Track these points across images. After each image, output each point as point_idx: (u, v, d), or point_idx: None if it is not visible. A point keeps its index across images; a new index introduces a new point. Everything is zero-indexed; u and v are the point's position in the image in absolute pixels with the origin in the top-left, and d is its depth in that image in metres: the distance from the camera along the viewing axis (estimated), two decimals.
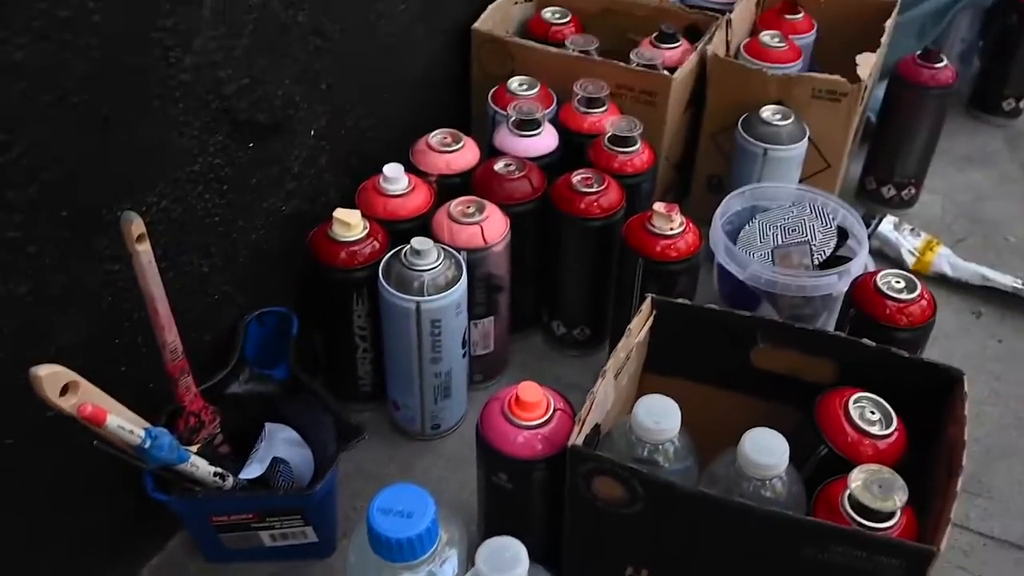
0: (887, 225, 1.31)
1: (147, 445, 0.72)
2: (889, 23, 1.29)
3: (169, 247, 0.82)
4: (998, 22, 1.52)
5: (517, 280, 1.04)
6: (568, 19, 1.31)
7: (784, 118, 1.16)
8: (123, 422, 0.71)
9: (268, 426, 0.89)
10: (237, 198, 0.90)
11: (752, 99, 1.19)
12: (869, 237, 1.28)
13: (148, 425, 0.74)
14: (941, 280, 1.26)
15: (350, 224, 0.93)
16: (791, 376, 0.84)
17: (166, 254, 0.82)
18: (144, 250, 0.73)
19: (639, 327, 0.83)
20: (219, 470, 0.81)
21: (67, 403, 0.66)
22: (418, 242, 0.91)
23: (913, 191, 1.38)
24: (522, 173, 1.03)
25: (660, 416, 0.73)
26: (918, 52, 1.28)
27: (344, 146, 1.04)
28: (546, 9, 1.32)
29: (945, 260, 1.27)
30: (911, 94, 1.28)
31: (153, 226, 0.79)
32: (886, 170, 1.36)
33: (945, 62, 1.27)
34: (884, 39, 1.26)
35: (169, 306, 0.77)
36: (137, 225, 0.72)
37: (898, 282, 0.93)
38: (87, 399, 0.68)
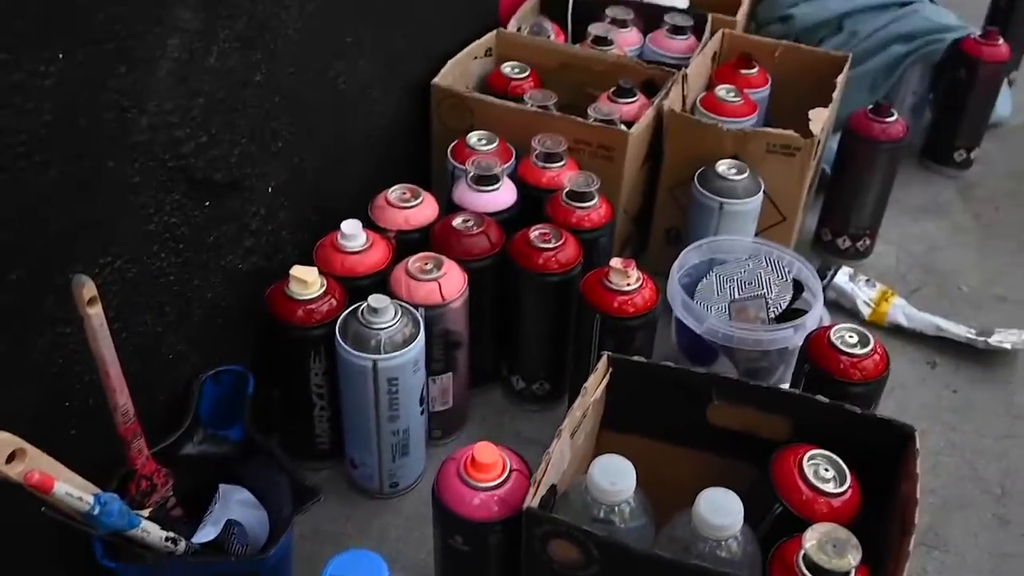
0: (843, 276, 1.32)
1: (96, 512, 0.71)
2: (841, 78, 1.31)
3: (122, 308, 0.82)
4: (947, 76, 1.56)
5: (476, 335, 1.05)
6: (527, 74, 1.32)
7: (739, 172, 1.18)
8: (71, 489, 0.69)
9: (222, 487, 0.88)
10: (193, 256, 0.89)
11: (708, 153, 1.20)
12: (825, 288, 1.30)
13: (98, 491, 0.73)
14: (896, 331, 1.28)
15: (307, 282, 0.92)
16: (747, 433, 0.85)
17: (119, 315, 0.81)
18: (95, 313, 0.72)
19: (595, 385, 0.83)
20: (171, 534, 0.79)
21: (14, 471, 0.65)
22: (375, 300, 0.90)
23: (868, 242, 1.40)
24: (480, 229, 1.04)
25: (615, 477, 0.73)
26: (869, 107, 1.31)
27: (303, 202, 1.04)
28: (505, 64, 1.34)
29: (900, 311, 1.29)
30: (863, 148, 1.31)
31: (106, 287, 0.79)
32: (841, 221, 1.38)
33: (896, 116, 1.30)
34: (836, 94, 1.29)
35: (121, 368, 0.76)
36: (88, 288, 0.71)
37: (851, 337, 0.94)
38: (35, 466, 0.66)
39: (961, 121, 1.58)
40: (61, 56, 0.69)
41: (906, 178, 1.56)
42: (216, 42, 0.85)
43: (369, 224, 1.05)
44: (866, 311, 1.30)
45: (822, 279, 1.31)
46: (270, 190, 0.98)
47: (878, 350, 0.94)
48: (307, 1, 0.97)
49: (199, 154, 0.86)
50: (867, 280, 1.33)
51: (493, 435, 1.09)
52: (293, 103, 0.99)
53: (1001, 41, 1.52)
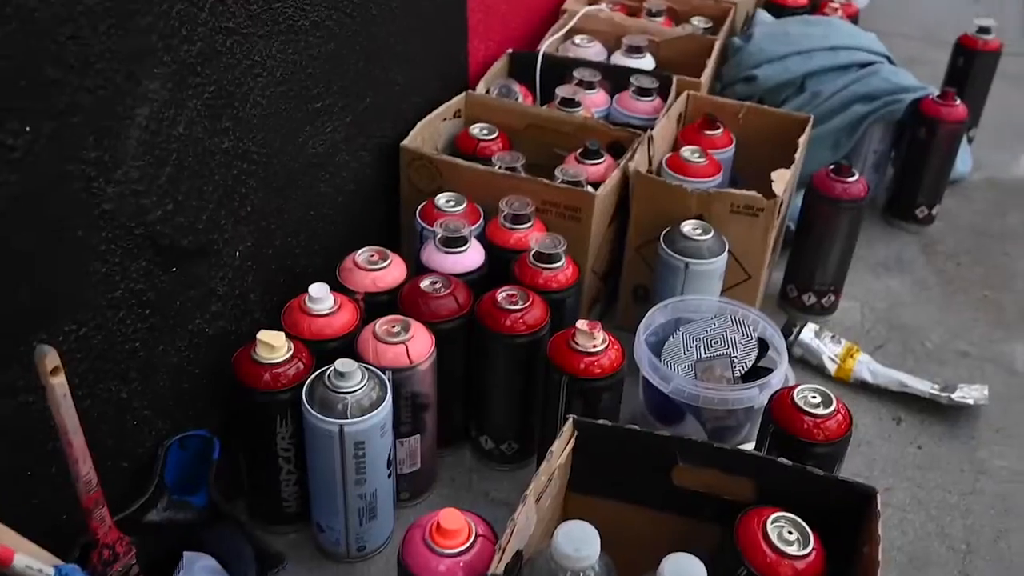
0: (808, 333, 1.34)
1: None
2: (803, 139, 1.34)
3: (87, 375, 0.82)
4: (908, 135, 1.60)
5: (444, 396, 1.05)
6: (495, 135, 1.34)
7: (704, 233, 1.20)
8: (31, 561, 0.69)
9: (187, 555, 0.87)
10: (160, 322, 0.89)
11: (674, 213, 1.22)
12: (791, 346, 1.32)
13: (59, 562, 0.72)
14: (862, 386, 1.30)
15: (274, 346, 0.93)
16: (712, 494, 0.85)
17: (83, 382, 0.81)
18: (59, 383, 0.72)
19: (560, 449, 0.84)
20: None
21: None
22: (342, 364, 0.91)
23: (833, 298, 1.42)
24: (448, 290, 1.05)
25: (580, 543, 0.73)
26: (831, 166, 1.34)
27: (271, 265, 1.05)
28: (474, 125, 1.35)
29: (865, 367, 1.30)
30: (826, 207, 1.33)
31: (70, 355, 0.79)
32: (806, 278, 1.40)
33: (857, 176, 1.33)
34: (798, 154, 1.32)
35: (84, 438, 0.76)
36: (51, 358, 0.71)
37: (814, 397, 0.96)
38: None
39: (922, 178, 1.61)
40: (28, 129, 0.70)
41: (870, 234, 1.59)
42: (184, 111, 0.87)
43: (337, 286, 1.05)
44: (832, 367, 1.31)
45: (788, 336, 1.33)
46: (238, 254, 0.98)
47: (841, 410, 0.95)
48: (276, 68, 0.99)
49: (166, 221, 0.87)
50: (832, 336, 1.34)
51: (462, 496, 1.10)
52: (262, 168, 1.00)
53: (958, 101, 1.56)
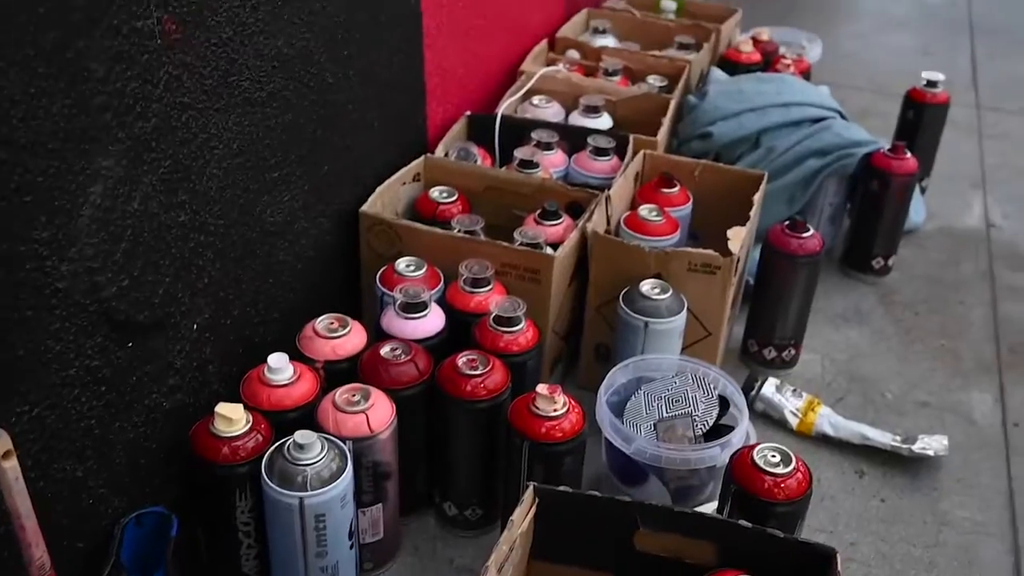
0: (770, 387, 1.35)
1: None
2: (757, 196, 1.37)
3: (40, 455, 0.81)
4: (861, 188, 1.63)
5: (406, 463, 1.05)
6: (455, 197, 1.35)
7: (662, 292, 1.21)
8: None
9: None
10: (116, 398, 0.89)
11: (632, 272, 1.23)
12: (753, 401, 1.33)
13: None
14: (824, 440, 1.30)
15: (232, 419, 0.92)
16: (674, 558, 0.85)
17: (37, 463, 0.80)
18: (10, 467, 0.71)
19: (522, 517, 0.84)
20: None
21: None
22: (301, 436, 0.90)
23: (793, 352, 1.43)
24: (408, 357, 1.05)
25: None
26: (786, 222, 1.36)
27: (229, 336, 1.04)
28: (433, 188, 1.36)
29: (826, 420, 1.31)
30: (782, 262, 1.35)
31: (23, 436, 0.78)
32: (766, 333, 1.42)
33: (811, 231, 1.35)
34: (753, 211, 1.34)
35: (37, 520, 0.74)
36: (3, 442, 0.70)
37: (774, 456, 0.96)
38: None
39: (877, 230, 1.64)
40: None
41: (828, 286, 1.62)
42: (140, 187, 0.87)
43: (297, 355, 1.05)
44: (794, 421, 1.32)
45: (750, 391, 1.34)
46: (195, 327, 0.98)
47: (800, 468, 0.96)
48: (232, 140, 1.00)
49: (121, 296, 0.87)
50: (794, 390, 1.36)
51: (426, 564, 1.09)
52: (219, 239, 1.00)
53: (909, 154, 1.59)
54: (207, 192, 0.97)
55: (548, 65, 1.79)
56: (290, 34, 1.06)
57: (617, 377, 1.15)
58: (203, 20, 0.92)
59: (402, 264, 1.20)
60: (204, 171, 0.96)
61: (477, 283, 1.17)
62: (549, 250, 1.22)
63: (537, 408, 0.99)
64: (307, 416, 0.98)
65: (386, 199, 1.31)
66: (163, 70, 0.87)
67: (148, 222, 0.88)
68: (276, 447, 0.92)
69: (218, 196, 0.99)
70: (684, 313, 1.21)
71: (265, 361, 1.00)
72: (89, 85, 0.79)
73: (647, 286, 1.21)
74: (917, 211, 1.81)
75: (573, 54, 1.89)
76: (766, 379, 1.36)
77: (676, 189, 1.43)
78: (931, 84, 1.83)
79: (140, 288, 0.89)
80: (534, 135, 1.50)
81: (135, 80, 0.84)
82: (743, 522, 0.83)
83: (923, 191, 1.90)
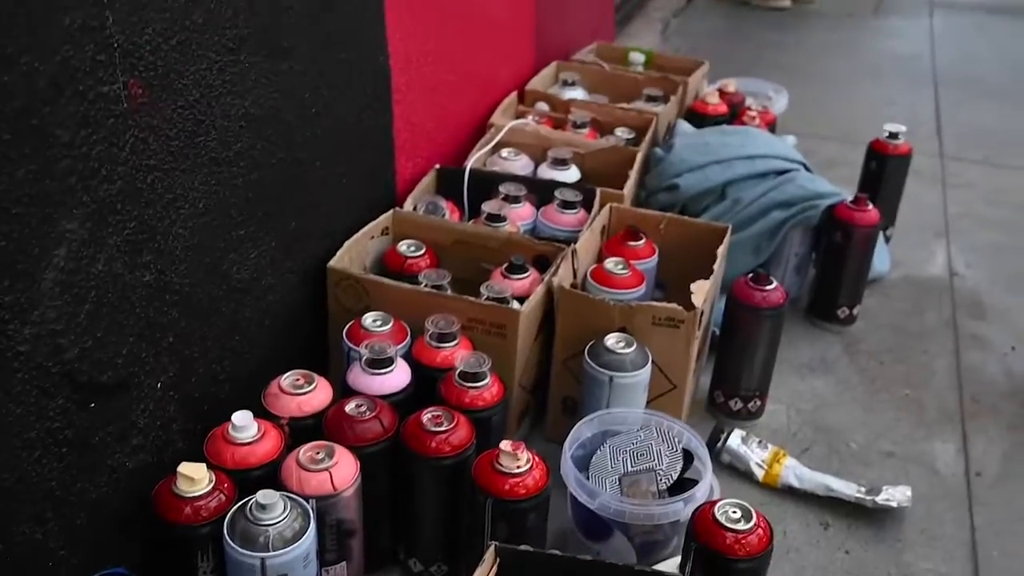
0: (735, 439, 1.36)
1: None
2: (721, 249, 1.39)
3: None
4: (825, 239, 1.66)
5: (370, 520, 1.05)
6: (423, 251, 1.37)
7: (627, 346, 1.22)
8: None
9: None
10: (77, 460, 0.89)
11: (598, 326, 1.25)
12: (720, 452, 1.33)
13: None
14: (789, 491, 1.31)
15: (194, 479, 0.92)
16: None
17: None
18: None
19: None
20: None
21: None
22: (263, 496, 0.90)
23: (759, 403, 1.45)
24: (373, 413, 1.05)
25: None
26: (749, 275, 1.38)
27: (194, 394, 1.05)
28: (401, 242, 1.38)
29: (792, 472, 1.32)
30: (746, 314, 1.37)
31: None
32: (732, 384, 1.43)
33: (775, 284, 1.37)
34: (717, 264, 1.36)
35: None
36: None
37: (734, 512, 0.97)
38: None
39: (841, 280, 1.66)
40: None
41: (793, 336, 1.63)
42: (104, 248, 0.87)
43: (262, 411, 1.05)
44: (759, 473, 1.33)
45: (716, 442, 1.35)
46: (159, 385, 0.98)
47: (761, 524, 0.97)
48: (199, 200, 1.01)
49: (84, 358, 0.87)
50: (759, 442, 1.37)
51: None
52: (184, 298, 1.00)
53: (871, 206, 1.62)
54: (172, 251, 0.98)
55: (518, 117, 1.81)
56: (258, 94, 1.08)
57: (582, 431, 1.16)
58: (170, 83, 0.94)
59: (369, 319, 1.21)
60: (170, 231, 0.97)
61: (443, 338, 1.18)
62: (516, 304, 1.24)
63: (500, 465, 1.00)
64: (271, 474, 0.99)
65: (354, 253, 1.32)
66: (129, 133, 0.89)
67: (112, 283, 0.89)
68: (239, 507, 0.92)
69: (184, 255, 0.99)
70: (649, 366, 1.23)
71: (230, 419, 1.00)
72: (54, 150, 0.80)
73: (612, 340, 1.22)
74: (882, 260, 1.84)
75: (542, 106, 1.91)
76: (732, 431, 1.37)
77: (642, 242, 1.45)
78: (893, 136, 1.86)
79: (103, 349, 0.89)
80: (502, 188, 1.51)
81: (101, 144, 0.85)
82: None
83: (887, 240, 1.93)
